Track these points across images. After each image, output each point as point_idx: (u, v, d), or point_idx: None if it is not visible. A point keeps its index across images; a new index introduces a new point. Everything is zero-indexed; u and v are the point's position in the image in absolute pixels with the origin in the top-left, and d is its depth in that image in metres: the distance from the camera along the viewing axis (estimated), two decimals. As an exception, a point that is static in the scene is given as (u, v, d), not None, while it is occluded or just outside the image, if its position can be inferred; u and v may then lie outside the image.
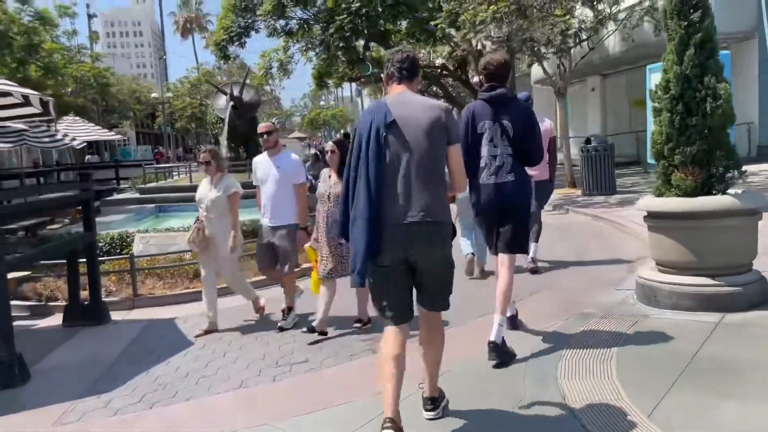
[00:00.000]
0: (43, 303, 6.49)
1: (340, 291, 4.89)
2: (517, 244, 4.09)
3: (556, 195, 11.69)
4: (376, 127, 2.82)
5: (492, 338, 3.81)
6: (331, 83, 22.31)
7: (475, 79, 18.48)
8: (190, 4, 70.88)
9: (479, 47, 15.75)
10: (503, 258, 4.07)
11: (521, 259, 5.29)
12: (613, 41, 14.93)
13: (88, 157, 30.83)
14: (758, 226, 4.49)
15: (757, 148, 14.94)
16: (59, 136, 16.70)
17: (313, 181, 16.82)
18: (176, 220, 10.92)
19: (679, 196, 4.44)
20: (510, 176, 3.97)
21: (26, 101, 5.77)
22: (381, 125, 2.82)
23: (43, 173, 21.36)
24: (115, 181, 22.14)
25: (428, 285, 2.93)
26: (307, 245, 5.06)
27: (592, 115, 20.96)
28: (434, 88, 19.88)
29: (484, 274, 6.34)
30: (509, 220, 4.02)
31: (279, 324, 5.11)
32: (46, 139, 16.15)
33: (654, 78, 9.18)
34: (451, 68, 18.57)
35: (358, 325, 4.97)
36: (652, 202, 4.64)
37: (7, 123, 10.67)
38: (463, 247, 6.24)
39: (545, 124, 6.27)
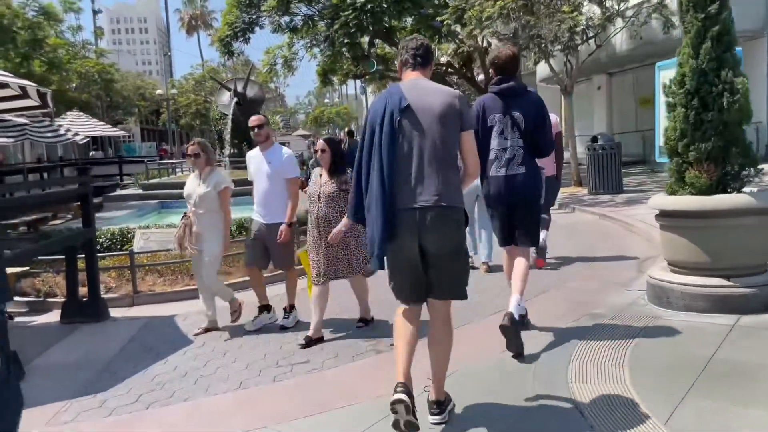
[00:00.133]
0: (41, 299, 6.39)
1: (340, 291, 4.78)
2: (529, 237, 4.13)
3: (562, 193, 11.54)
4: (391, 111, 2.83)
5: (510, 309, 3.82)
6: (336, 80, 22.18)
7: (481, 77, 18.35)
8: (195, 0, 70.84)
9: (485, 44, 15.61)
10: (517, 250, 4.15)
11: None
12: (620, 39, 14.76)
13: (92, 152, 30.82)
14: (775, 225, 4.36)
15: (766, 147, 14.76)
16: (62, 131, 16.62)
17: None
18: (178, 216, 10.77)
19: (693, 194, 4.30)
20: (521, 168, 3.98)
21: (24, 93, 5.67)
22: (395, 110, 2.83)
23: (46, 169, 21.32)
24: (118, 177, 22.09)
25: (440, 272, 2.89)
26: (301, 249, 4.89)
27: (598, 114, 20.77)
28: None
29: (488, 267, 6.28)
30: (520, 213, 4.05)
31: (279, 323, 4.99)
32: (49, 134, 16.07)
33: (663, 76, 9.05)
34: (457, 66, 18.42)
35: (361, 324, 4.84)
36: (664, 201, 4.50)
37: (8, 116, 10.59)
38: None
39: (551, 119, 6.15)
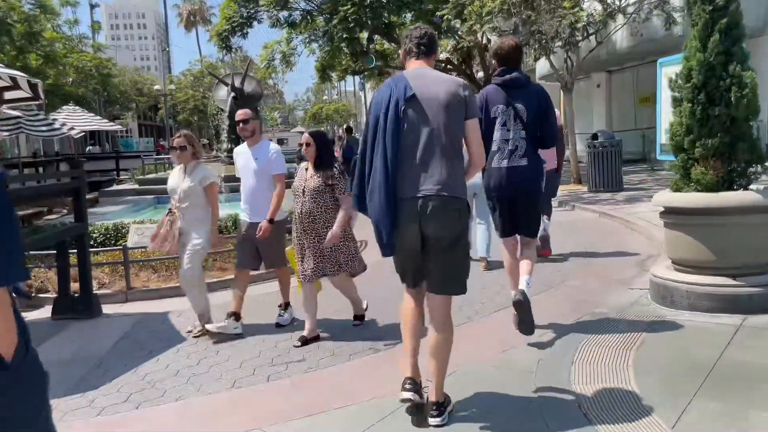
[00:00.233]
0: (32, 294, 6.27)
1: (336, 290, 4.68)
2: (531, 229, 4.13)
3: (562, 191, 11.44)
4: (395, 100, 2.82)
5: (521, 287, 3.88)
6: (335, 76, 22.06)
7: (480, 74, 18.24)
8: (193, -4, 70.51)
9: (485, 41, 15.49)
10: (522, 240, 4.16)
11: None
12: (620, 36, 14.66)
13: (89, 148, 30.65)
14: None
15: (766, 146, 14.68)
16: (57, 125, 16.45)
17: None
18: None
19: (698, 191, 4.21)
20: (523, 160, 3.94)
21: (15, 84, 5.54)
22: (401, 98, 2.82)
23: (41, 163, 21.14)
24: (115, 172, 21.93)
25: (439, 262, 2.87)
26: (289, 248, 4.71)
27: (597, 111, 20.66)
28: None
29: (487, 264, 6.22)
30: (522, 205, 4.03)
31: (276, 321, 4.88)
32: (44, 128, 15.91)
33: (665, 72, 8.96)
34: (456, 62, 18.30)
35: (358, 323, 4.73)
36: (669, 198, 4.41)
37: (2, 108, 10.46)
38: None
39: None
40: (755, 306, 4.03)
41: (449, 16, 12.32)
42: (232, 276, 6.24)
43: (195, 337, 4.75)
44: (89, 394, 3.77)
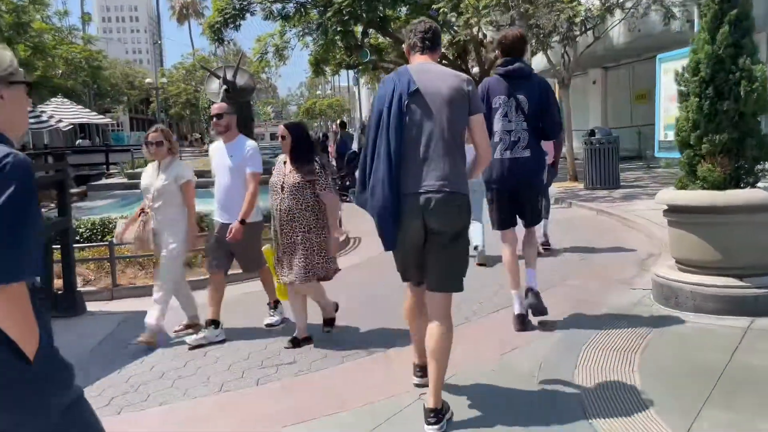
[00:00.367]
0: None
1: (333, 288, 4.51)
2: (534, 218, 4.24)
3: (558, 188, 11.34)
4: (399, 94, 2.80)
5: (518, 311, 4.02)
6: (329, 70, 21.84)
7: (476, 69, 18.08)
8: (186, -11, 69.81)
9: (481, 35, 15.33)
10: (524, 231, 4.21)
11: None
12: (617, 32, 14.54)
13: (78, 141, 30.25)
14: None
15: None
16: (44, 118, 16.14)
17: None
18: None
19: (705, 188, 4.07)
20: (526, 152, 3.96)
21: None
22: (404, 93, 2.79)
23: (29, 156, 20.71)
24: (104, 166, 21.61)
25: (439, 259, 2.86)
26: (265, 247, 4.42)
27: (593, 108, 20.56)
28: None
29: (485, 259, 6.13)
30: (525, 197, 4.07)
31: (265, 321, 4.70)
32: (31, 120, 15.63)
33: (664, 68, 8.83)
34: (451, 57, 18.13)
35: (328, 329, 4.35)
36: (674, 195, 4.27)
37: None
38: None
39: None
40: (762, 308, 3.90)
41: (445, 10, 12.14)
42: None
43: (176, 331, 4.61)
44: (69, 397, 3.59)
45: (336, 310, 4.44)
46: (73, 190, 10.43)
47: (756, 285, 3.94)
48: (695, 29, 9.21)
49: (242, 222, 4.29)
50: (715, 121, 3.95)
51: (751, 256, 4.00)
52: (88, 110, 24.49)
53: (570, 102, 13.57)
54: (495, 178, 4.02)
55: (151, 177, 4.52)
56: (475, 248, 6.05)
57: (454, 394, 3.09)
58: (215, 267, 4.51)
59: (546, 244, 6.71)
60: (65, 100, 20.77)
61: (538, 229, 5.19)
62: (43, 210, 11.33)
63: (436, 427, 2.77)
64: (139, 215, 4.56)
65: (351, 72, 28.71)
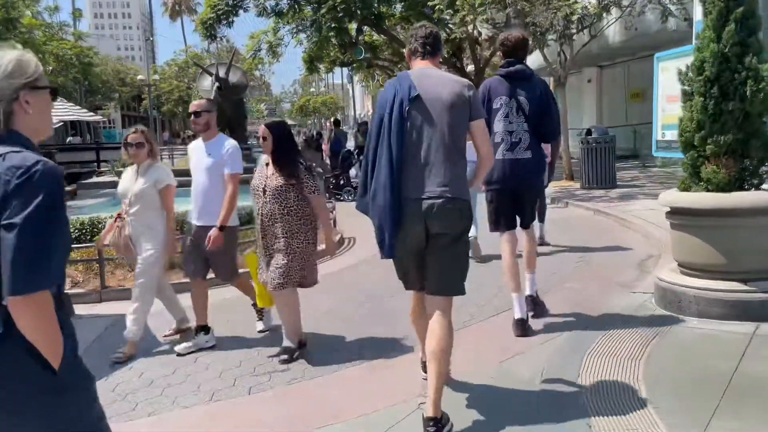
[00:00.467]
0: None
1: (327, 291, 4.39)
2: (533, 218, 4.30)
3: (555, 188, 11.26)
4: (400, 100, 2.81)
5: (528, 292, 4.09)
6: (322, 68, 21.65)
7: (470, 67, 17.96)
8: (179, -15, 69.29)
9: (476, 33, 15.20)
10: (523, 233, 4.24)
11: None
12: (613, 30, 14.46)
13: (69, 138, 29.93)
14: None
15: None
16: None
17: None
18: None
19: (709, 190, 3.98)
20: (527, 153, 3.98)
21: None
22: (405, 98, 2.80)
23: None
24: (95, 164, 21.35)
25: (439, 262, 2.87)
26: (248, 251, 4.23)
27: (588, 107, 20.51)
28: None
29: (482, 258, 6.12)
30: (526, 198, 4.09)
31: (258, 328, 4.53)
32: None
33: (662, 67, 8.75)
34: (446, 55, 17.99)
35: (285, 357, 3.87)
36: (677, 197, 4.17)
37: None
38: None
39: None
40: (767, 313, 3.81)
41: (441, 7, 12.00)
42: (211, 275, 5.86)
43: (165, 336, 4.49)
44: (53, 407, 3.45)
45: (302, 346, 4.00)
46: (62, 189, 10.21)
47: (761, 289, 3.85)
48: (693, 27, 9.14)
49: (221, 228, 4.07)
50: (720, 121, 3.85)
51: (756, 260, 3.91)
52: (78, 107, 24.19)
53: (566, 100, 13.49)
54: (496, 179, 3.99)
55: (129, 181, 4.32)
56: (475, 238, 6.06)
57: (452, 403, 2.97)
58: (192, 273, 4.33)
59: (543, 243, 6.73)
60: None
61: (536, 231, 5.12)
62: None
63: None
64: (116, 221, 4.38)
65: (345, 69, 28.57)
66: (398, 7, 15.80)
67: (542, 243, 6.66)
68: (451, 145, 2.82)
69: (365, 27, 16.61)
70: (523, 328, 3.98)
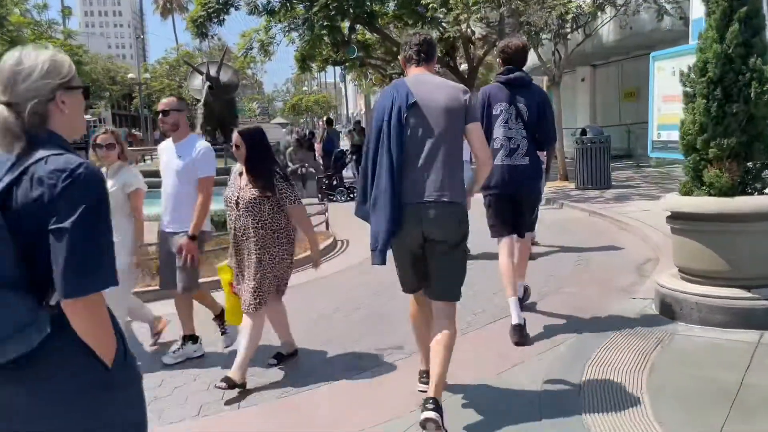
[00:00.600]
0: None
1: (320, 295, 4.26)
2: (529, 226, 4.34)
3: (549, 188, 11.15)
4: (398, 107, 2.85)
5: (516, 321, 3.94)
6: (315, 67, 21.46)
7: (464, 66, 17.86)
8: (170, -18, 68.75)
9: (469, 32, 15.10)
10: (519, 239, 4.27)
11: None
12: (607, 29, 14.40)
13: (59, 137, 29.53)
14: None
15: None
16: (20, 114, 15.63)
17: (290, 165, 15.84)
18: (145, 207, 10.09)
19: (711, 195, 3.87)
20: (525, 159, 4.03)
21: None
22: (403, 106, 2.84)
23: None
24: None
25: (439, 269, 2.92)
26: (222, 264, 3.91)
27: (582, 106, 20.45)
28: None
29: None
30: (524, 204, 4.12)
31: (224, 344, 4.20)
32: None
33: (658, 66, 8.66)
34: (439, 54, 17.85)
35: (274, 362, 3.84)
36: (679, 201, 4.07)
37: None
38: None
39: None
40: (772, 320, 3.71)
41: (434, 5, 11.88)
42: (206, 279, 5.62)
43: (151, 345, 4.33)
44: (33, 423, 3.30)
45: (293, 355, 3.94)
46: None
47: (765, 296, 3.75)
48: (690, 26, 9.07)
49: (192, 237, 3.81)
50: (723, 124, 3.74)
51: (759, 267, 3.81)
52: (67, 106, 23.74)
53: (560, 100, 13.40)
54: (494, 184, 4.01)
55: None
56: None
57: (451, 416, 2.86)
58: (165, 285, 4.14)
59: (533, 242, 6.57)
60: (43, 96, 20.28)
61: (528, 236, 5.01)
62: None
63: (433, 414, 2.66)
64: None
65: (338, 68, 28.32)
66: (391, 5, 15.65)
67: (533, 243, 6.54)
68: (449, 150, 2.86)
69: (358, 26, 16.45)
70: (521, 335, 3.89)
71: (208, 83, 14.47)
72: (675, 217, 4.14)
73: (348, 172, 16.08)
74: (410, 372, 3.45)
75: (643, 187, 11.07)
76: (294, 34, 16.73)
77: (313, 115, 59.76)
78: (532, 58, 14.94)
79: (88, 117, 28.18)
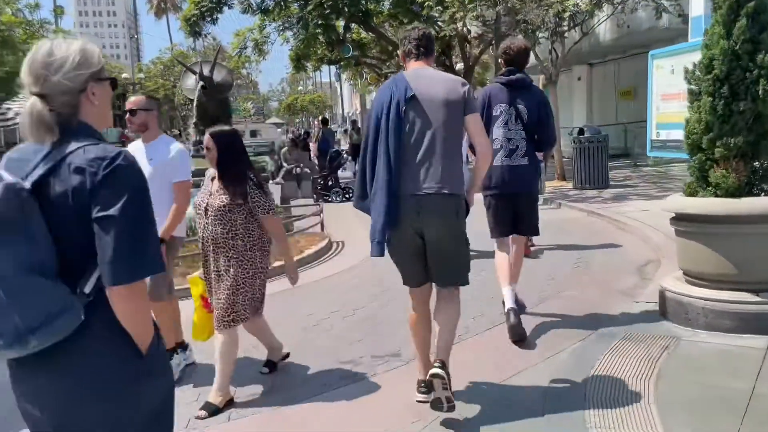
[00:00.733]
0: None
1: (315, 299, 4.12)
2: (533, 226, 4.25)
3: (546, 188, 11.03)
4: (397, 101, 2.87)
5: (510, 305, 3.92)
6: (310, 66, 21.31)
7: (459, 65, 17.74)
8: (164, -18, 68.40)
9: (465, 30, 14.97)
10: (516, 238, 4.24)
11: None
12: (603, 28, 14.31)
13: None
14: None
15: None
16: (10, 115, 15.46)
17: (285, 165, 15.62)
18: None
19: (717, 195, 3.75)
20: (524, 160, 4.03)
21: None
22: (401, 99, 2.87)
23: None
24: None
25: (441, 259, 2.95)
26: (193, 275, 3.65)
27: (578, 105, 20.38)
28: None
29: None
30: (523, 204, 4.11)
31: (175, 362, 3.79)
32: (-3, 118, 14.91)
33: (656, 65, 8.56)
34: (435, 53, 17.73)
35: (266, 370, 3.72)
36: (683, 203, 3.95)
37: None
38: None
39: None
40: (781, 325, 3.60)
41: (430, 4, 11.75)
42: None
43: None
44: (13, 437, 3.15)
45: (284, 358, 3.81)
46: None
47: (773, 300, 3.64)
48: (689, 24, 8.96)
49: (162, 241, 3.42)
50: (729, 122, 3.62)
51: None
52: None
53: (557, 99, 13.30)
54: (494, 185, 4.03)
55: None
56: None
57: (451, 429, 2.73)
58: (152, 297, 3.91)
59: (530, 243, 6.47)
60: (34, 96, 20.08)
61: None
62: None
63: (441, 371, 2.77)
64: None
65: (333, 68, 28.19)
66: (386, 4, 15.52)
67: (531, 244, 6.43)
68: (448, 142, 2.88)
69: (353, 24, 16.31)
70: (517, 325, 3.85)
71: (201, 83, 14.29)
72: (679, 219, 4.02)
73: (347, 172, 15.94)
74: (408, 381, 3.32)
75: (641, 187, 10.97)
76: (288, 33, 16.61)
77: (308, 114, 59.54)
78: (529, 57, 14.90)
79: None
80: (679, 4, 10.31)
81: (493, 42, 13.17)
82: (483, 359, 3.72)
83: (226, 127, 3.54)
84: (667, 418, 2.76)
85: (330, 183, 13.06)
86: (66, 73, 1.41)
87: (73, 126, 1.42)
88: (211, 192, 3.34)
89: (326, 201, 12.05)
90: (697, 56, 3.91)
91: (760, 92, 3.51)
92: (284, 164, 15.53)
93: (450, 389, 2.78)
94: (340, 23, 15.83)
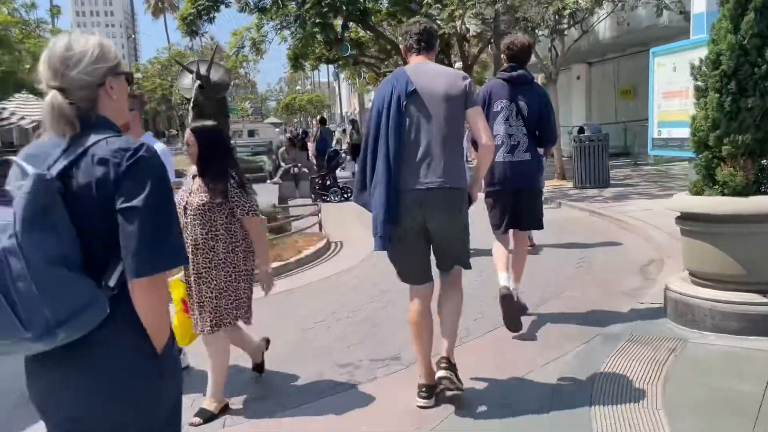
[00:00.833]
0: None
1: (313, 301, 4.02)
2: (536, 221, 4.25)
3: (546, 187, 10.94)
4: (397, 95, 2.87)
5: (504, 284, 3.89)
6: (308, 65, 21.22)
7: (458, 64, 17.65)
8: (161, -18, 68.23)
9: (464, 29, 14.88)
10: (518, 234, 4.27)
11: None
12: (603, 26, 14.22)
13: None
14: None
15: None
16: (6, 115, 15.29)
17: (282, 164, 15.54)
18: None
19: (725, 194, 3.66)
20: (526, 155, 4.02)
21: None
22: (402, 94, 2.87)
23: (-5, 155, 19.70)
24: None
25: (444, 248, 3.04)
26: (174, 278, 3.38)
27: (577, 104, 20.29)
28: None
29: None
30: (526, 199, 4.09)
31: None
32: (-9, 118, 14.80)
33: (658, 62, 8.47)
34: (434, 52, 17.63)
35: (256, 374, 3.66)
36: (690, 202, 3.86)
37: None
38: None
39: None
40: (790, 327, 3.51)
41: (429, 2, 11.65)
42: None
43: None
44: (2, 445, 3.06)
45: (266, 348, 3.65)
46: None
47: (782, 302, 3.55)
48: (690, 21, 8.87)
49: None
50: (737, 119, 3.54)
51: (776, 270, 3.61)
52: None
53: (557, 97, 13.21)
54: (497, 180, 4.03)
55: None
56: None
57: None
58: None
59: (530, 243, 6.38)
60: (30, 96, 19.86)
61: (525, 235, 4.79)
62: None
63: (447, 372, 2.89)
64: None
65: (331, 67, 28.11)
66: (384, 2, 15.43)
67: (531, 244, 6.35)
68: (449, 136, 2.89)
69: (351, 23, 16.22)
70: (511, 308, 3.84)
71: (198, 82, 14.21)
72: (685, 218, 3.93)
73: (346, 172, 15.84)
74: (408, 385, 3.22)
75: (642, 186, 10.90)
76: (286, 32, 16.48)
77: (306, 114, 59.44)
78: (527, 56, 14.82)
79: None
80: (680, 1, 10.23)
81: (492, 40, 13.09)
82: (484, 362, 3.62)
83: (209, 123, 3.37)
84: (675, 422, 2.68)
85: (328, 183, 12.96)
86: (85, 68, 1.42)
87: (92, 120, 1.43)
88: (192, 190, 3.16)
89: (324, 201, 11.96)
90: (699, 53, 3.85)
91: (768, 88, 3.42)
92: (282, 164, 15.44)
93: (459, 381, 2.94)
94: (338, 22, 15.73)
